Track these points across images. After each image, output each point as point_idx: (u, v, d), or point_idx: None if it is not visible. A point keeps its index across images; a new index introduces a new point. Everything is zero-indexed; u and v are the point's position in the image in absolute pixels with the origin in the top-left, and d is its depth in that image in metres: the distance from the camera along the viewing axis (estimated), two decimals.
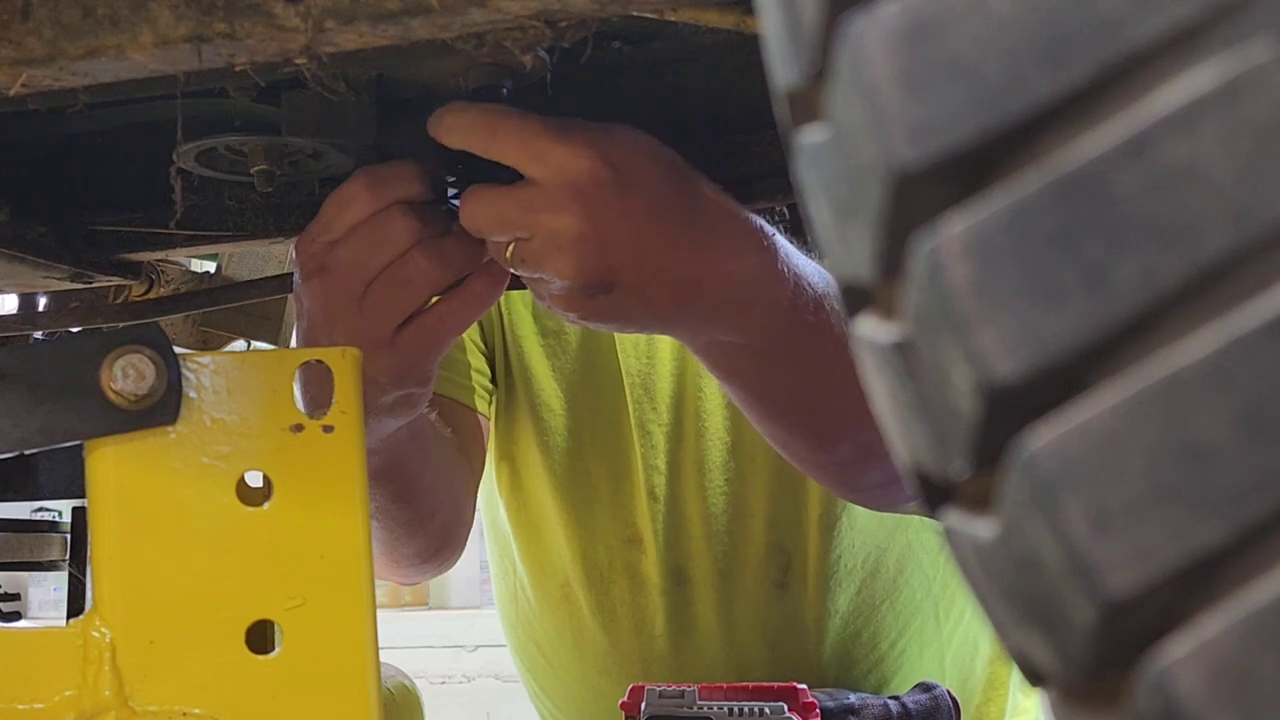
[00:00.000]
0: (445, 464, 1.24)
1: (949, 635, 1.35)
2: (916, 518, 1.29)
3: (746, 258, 0.85)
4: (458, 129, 0.80)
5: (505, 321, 1.36)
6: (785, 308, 0.88)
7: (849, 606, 1.29)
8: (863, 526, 1.29)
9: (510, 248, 0.81)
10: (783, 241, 0.88)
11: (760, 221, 0.86)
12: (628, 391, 1.31)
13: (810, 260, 0.91)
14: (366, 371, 0.85)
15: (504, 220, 0.80)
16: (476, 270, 0.87)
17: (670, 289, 0.83)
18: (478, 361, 1.35)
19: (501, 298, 1.33)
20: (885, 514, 1.28)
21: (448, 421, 1.25)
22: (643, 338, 1.30)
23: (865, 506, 1.18)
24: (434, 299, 0.88)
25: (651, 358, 1.31)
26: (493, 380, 1.38)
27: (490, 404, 1.37)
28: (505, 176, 0.80)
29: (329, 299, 0.86)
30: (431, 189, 0.85)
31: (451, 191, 0.87)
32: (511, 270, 0.83)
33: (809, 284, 0.89)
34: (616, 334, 1.31)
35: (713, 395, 1.29)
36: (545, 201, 0.78)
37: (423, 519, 1.20)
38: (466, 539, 1.32)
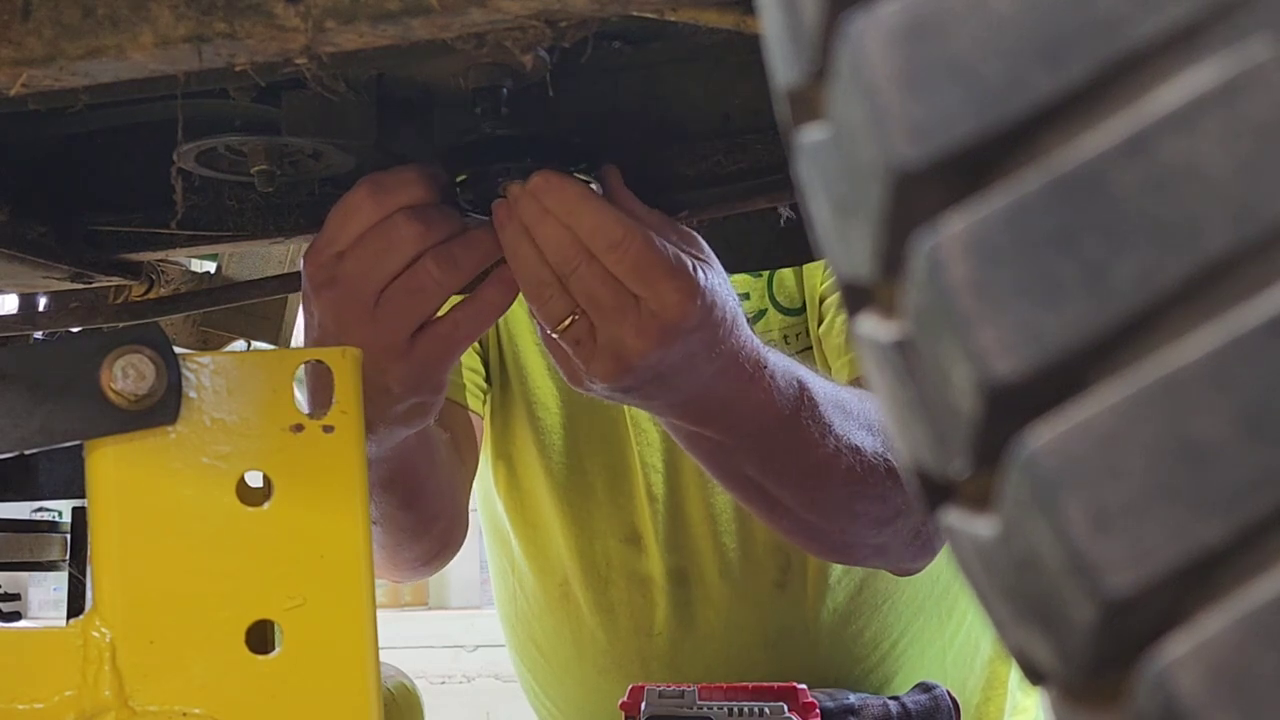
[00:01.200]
0: (448, 469, 1.24)
1: (951, 635, 1.35)
2: None
3: (746, 390, 0.93)
4: (584, 221, 0.81)
5: (501, 320, 1.36)
6: (757, 419, 0.96)
7: (849, 606, 1.29)
8: None
9: (568, 321, 0.83)
10: (770, 359, 0.96)
11: (762, 348, 0.94)
12: None
13: (795, 366, 1.00)
14: (382, 380, 0.85)
15: (591, 298, 0.82)
16: (490, 278, 0.87)
17: (674, 402, 0.92)
18: (472, 360, 1.35)
19: None
20: None
21: (443, 422, 1.25)
22: None
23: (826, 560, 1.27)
24: (448, 304, 0.88)
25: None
26: (487, 379, 1.38)
27: (484, 402, 1.37)
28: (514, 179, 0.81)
29: (340, 310, 0.85)
30: (436, 192, 0.84)
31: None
32: (554, 335, 0.85)
33: (785, 398, 0.97)
34: None
35: None
36: (634, 321, 0.82)
37: (427, 524, 1.20)
38: (464, 541, 1.32)
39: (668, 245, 0.83)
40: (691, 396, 0.91)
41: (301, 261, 0.88)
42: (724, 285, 0.87)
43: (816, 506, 1.05)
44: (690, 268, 0.83)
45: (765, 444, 0.98)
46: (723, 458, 1.01)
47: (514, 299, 0.89)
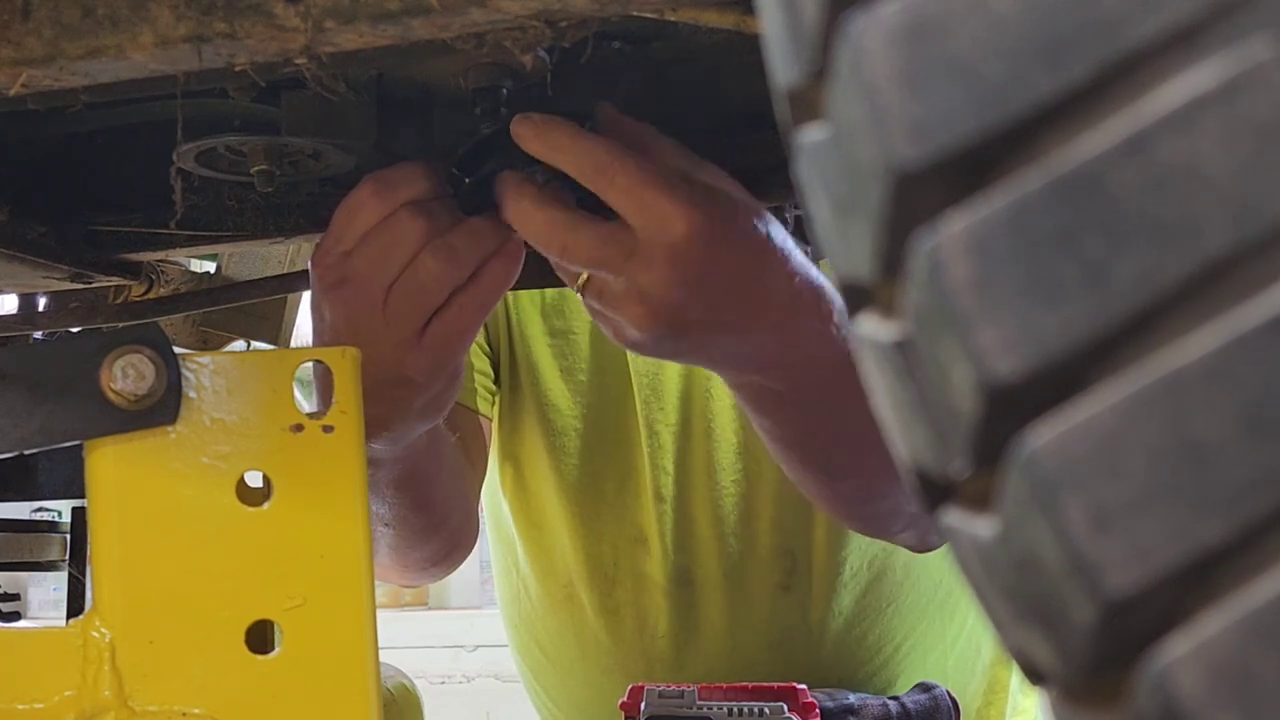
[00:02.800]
0: (458, 471, 1.24)
1: (953, 640, 1.35)
2: None
3: (803, 317, 0.88)
4: (565, 155, 0.79)
5: (512, 321, 1.36)
6: (828, 365, 0.90)
7: (854, 610, 1.29)
8: None
9: (584, 278, 0.82)
10: (834, 296, 0.89)
11: (821, 279, 0.88)
12: (636, 392, 1.30)
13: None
14: (401, 373, 0.85)
15: (594, 262, 0.80)
16: (490, 259, 0.86)
17: (729, 341, 0.86)
18: (481, 363, 1.35)
19: (509, 298, 1.33)
20: None
21: (452, 425, 1.25)
22: None
23: (860, 533, 1.22)
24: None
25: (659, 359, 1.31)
26: (495, 380, 1.38)
27: (493, 405, 1.37)
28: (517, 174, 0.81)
29: (351, 310, 0.85)
30: (440, 187, 0.84)
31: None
32: (583, 299, 0.83)
33: (847, 336, 0.90)
34: None
35: (721, 396, 1.29)
36: (642, 256, 0.79)
37: (437, 526, 1.20)
38: (474, 543, 1.32)
39: (666, 166, 0.80)
40: (752, 340, 0.86)
41: (309, 263, 0.88)
42: (756, 212, 0.83)
43: (869, 467, 1.00)
44: (689, 184, 0.79)
45: (834, 392, 0.91)
46: (792, 417, 0.96)
47: (514, 277, 0.88)
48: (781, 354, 0.89)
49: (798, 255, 0.86)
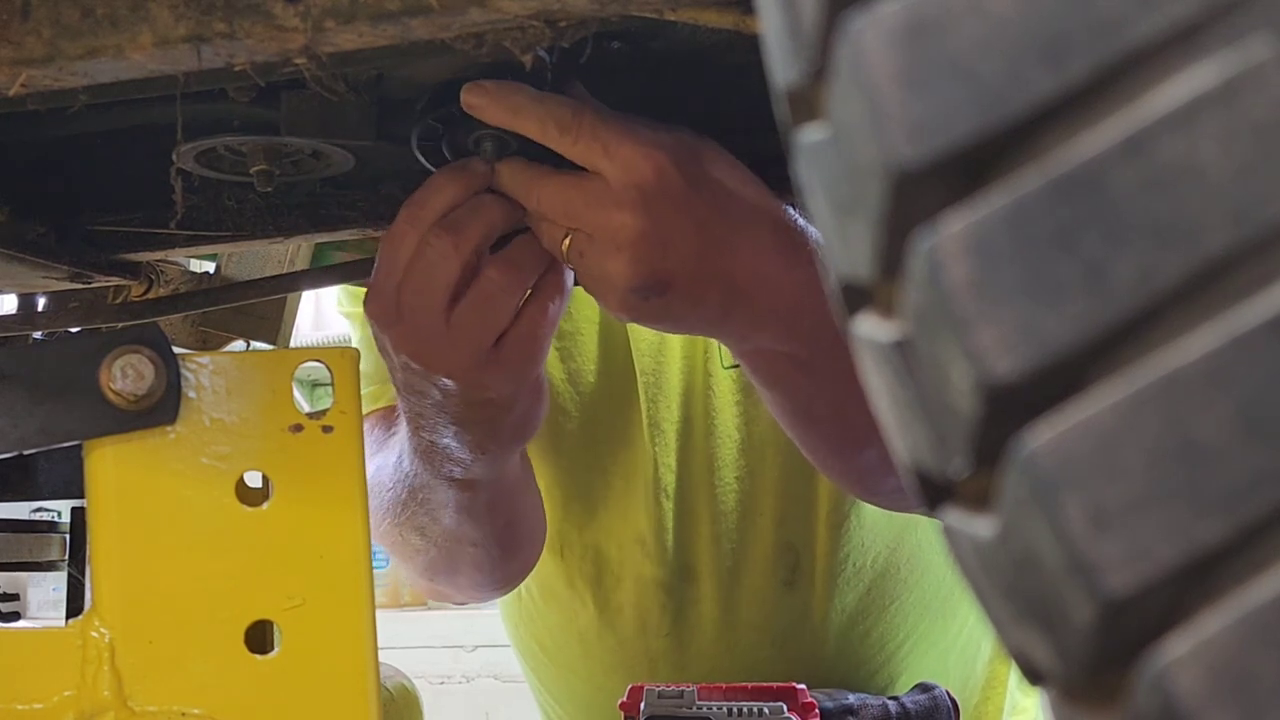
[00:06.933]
0: (535, 483, 1.24)
1: (955, 636, 1.35)
2: (927, 519, 1.29)
3: (798, 268, 0.85)
4: (527, 117, 0.78)
5: None
6: (831, 320, 0.87)
7: (858, 606, 1.29)
8: (872, 526, 1.28)
9: (567, 241, 0.81)
10: None
11: (814, 232, 0.86)
12: (641, 390, 1.30)
13: None
14: (483, 395, 0.85)
15: (569, 212, 0.79)
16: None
17: (722, 294, 0.84)
18: None
19: None
20: (895, 514, 1.28)
21: None
22: (654, 335, 1.30)
23: (882, 508, 1.19)
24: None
25: (662, 354, 1.31)
26: None
27: None
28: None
29: (415, 344, 0.85)
30: (471, 186, 0.83)
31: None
32: (568, 264, 0.83)
33: None
34: (630, 333, 1.31)
35: (723, 392, 1.29)
36: (612, 199, 0.78)
37: (525, 541, 1.21)
38: (539, 556, 1.32)
39: (623, 118, 0.80)
40: (749, 295, 0.84)
41: (363, 305, 0.88)
42: (728, 160, 0.82)
43: (874, 426, 0.96)
44: (652, 129, 0.79)
45: (846, 355, 0.88)
46: (801, 385, 0.93)
47: (571, 280, 0.87)
48: (783, 310, 0.86)
49: (790, 211, 0.84)
